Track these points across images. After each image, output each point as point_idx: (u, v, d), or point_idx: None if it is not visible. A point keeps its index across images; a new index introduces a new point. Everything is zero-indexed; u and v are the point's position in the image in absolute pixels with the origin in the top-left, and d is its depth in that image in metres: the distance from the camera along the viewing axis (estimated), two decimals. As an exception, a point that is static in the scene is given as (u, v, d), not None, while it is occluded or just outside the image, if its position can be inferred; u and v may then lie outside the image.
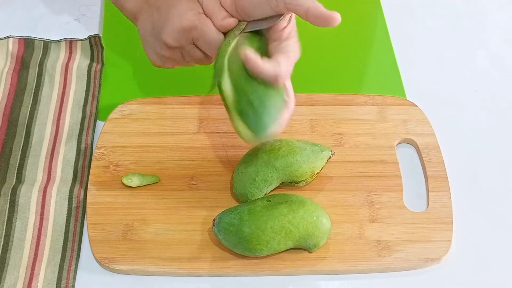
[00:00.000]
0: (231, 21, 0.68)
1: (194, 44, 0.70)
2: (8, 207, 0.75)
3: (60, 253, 0.73)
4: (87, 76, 0.88)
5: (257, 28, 0.68)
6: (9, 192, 0.76)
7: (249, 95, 0.66)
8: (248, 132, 0.67)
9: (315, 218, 0.70)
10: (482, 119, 0.87)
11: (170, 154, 0.80)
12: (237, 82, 0.67)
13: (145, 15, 0.73)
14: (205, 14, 0.69)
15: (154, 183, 0.78)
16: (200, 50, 0.71)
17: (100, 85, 0.87)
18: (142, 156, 0.80)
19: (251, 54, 0.64)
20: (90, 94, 0.86)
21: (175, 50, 0.72)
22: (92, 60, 0.90)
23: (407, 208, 0.77)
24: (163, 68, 0.75)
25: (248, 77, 0.66)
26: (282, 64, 0.66)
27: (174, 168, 0.79)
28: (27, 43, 0.90)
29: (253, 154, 0.76)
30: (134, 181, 0.77)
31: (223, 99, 0.68)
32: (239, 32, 0.68)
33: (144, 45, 0.74)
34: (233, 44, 0.68)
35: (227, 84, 0.67)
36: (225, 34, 0.69)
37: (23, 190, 0.76)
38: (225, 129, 0.82)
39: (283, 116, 0.67)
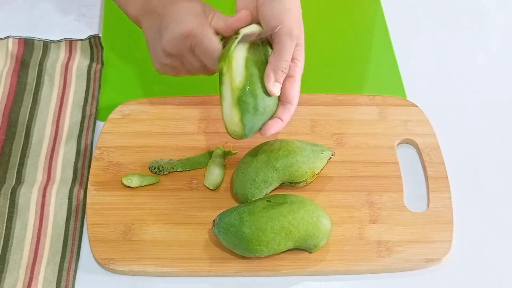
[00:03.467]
0: (238, 21, 0.69)
1: (193, 51, 0.70)
2: (8, 207, 0.74)
3: (60, 254, 0.73)
4: (87, 76, 0.88)
5: (255, 38, 0.70)
6: (9, 192, 0.76)
7: (258, 93, 0.69)
8: (239, 124, 0.69)
9: (315, 218, 0.70)
10: (482, 119, 0.87)
11: (170, 154, 0.80)
12: (251, 75, 0.69)
13: (148, 21, 0.73)
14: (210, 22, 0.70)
15: (154, 183, 0.78)
16: (198, 58, 0.71)
17: (100, 85, 0.87)
18: (142, 156, 0.80)
19: (273, 129, 0.70)
20: (90, 94, 0.86)
21: (175, 57, 0.72)
22: (92, 60, 0.90)
23: (407, 209, 0.77)
24: (165, 74, 0.76)
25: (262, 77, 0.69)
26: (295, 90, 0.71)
27: (174, 168, 0.79)
28: (27, 43, 0.90)
29: (253, 155, 0.76)
30: (134, 181, 0.77)
31: (227, 77, 0.69)
32: (238, 39, 0.68)
33: (149, 51, 0.75)
34: (236, 43, 0.68)
35: (240, 66, 0.69)
36: (224, 44, 0.69)
37: (23, 190, 0.76)
38: (225, 129, 0.82)
39: (273, 126, 0.71)
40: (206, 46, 0.69)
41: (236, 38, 0.68)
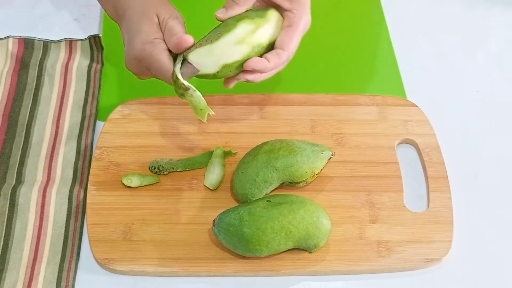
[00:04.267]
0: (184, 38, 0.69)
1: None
2: (8, 207, 0.74)
3: (60, 254, 0.73)
4: (87, 76, 0.88)
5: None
6: (9, 192, 0.76)
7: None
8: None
9: (315, 218, 0.70)
10: (482, 119, 0.87)
11: (170, 154, 0.80)
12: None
13: (120, 26, 0.76)
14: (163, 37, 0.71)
15: (154, 183, 0.78)
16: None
17: (100, 85, 0.87)
18: (142, 156, 0.80)
19: (256, 64, 0.69)
20: (90, 94, 0.86)
21: (141, 72, 0.75)
22: (92, 60, 0.90)
23: (407, 209, 0.77)
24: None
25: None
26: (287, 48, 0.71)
27: (174, 168, 0.79)
28: (27, 43, 0.90)
29: (253, 155, 0.76)
30: (134, 181, 0.77)
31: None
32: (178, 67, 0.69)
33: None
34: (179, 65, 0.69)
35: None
36: (175, 59, 0.70)
37: (23, 190, 0.76)
38: (225, 129, 0.82)
39: (256, 62, 0.70)
40: (158, 68, 0.70)
41: (176, 64, 0.69)
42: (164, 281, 0.72)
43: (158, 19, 0.72)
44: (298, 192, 0.77)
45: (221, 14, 0.71)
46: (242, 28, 0.70)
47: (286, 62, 0.73)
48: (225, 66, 0.70)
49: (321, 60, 0.92)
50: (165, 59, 0.70)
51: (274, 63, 0.70)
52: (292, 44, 0.72)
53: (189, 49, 0.69)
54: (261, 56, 0.71)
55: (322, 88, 0.88)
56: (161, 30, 0.72)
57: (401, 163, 0.80)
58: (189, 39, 0.69)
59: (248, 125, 0.83)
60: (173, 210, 0.76)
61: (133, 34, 0.72)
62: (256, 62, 0.69)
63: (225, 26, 0.71)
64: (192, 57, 0.69)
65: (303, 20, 0.73)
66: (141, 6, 0.73)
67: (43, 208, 0.75)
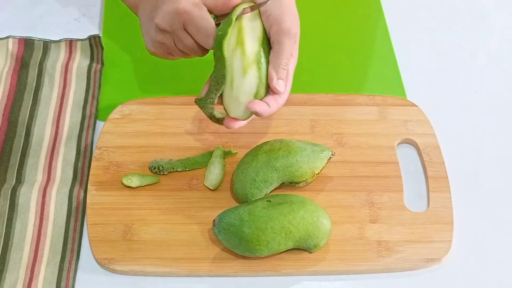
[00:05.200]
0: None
1: (185, 29, 0.70)
2: (8, 207, 0.74)
3: (60, 254, 0.73)
4: (87, 76, 0.88)
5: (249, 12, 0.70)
6: (9, 193, 0.76)
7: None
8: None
9: (315, 218, 0.70)
10: (482, 119, 0.87)
11: (170, 154, 0.80)
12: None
13: (144, 5, 0.73)
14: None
15: (154, 183, 0.78)
16: (191, 36, 0.71)
17: (100, 85, 0.87)
18: (142, 156, 0.80)
19: (259, 108, 0.69)
20: (90, 94, 0.86)
21: (167, 35, 0.72)
22: (92, 60, 0.90)
23: (407, 209, 0.77)
24: (158, 56, 0.75)
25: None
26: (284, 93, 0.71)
27: (174, 168, 0.79)
28: (27, 43, 0.90)
29: (253, 155, 0.76)
30: (134, 181, 0.77)
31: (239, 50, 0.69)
32: (236, 17, 0.68)
33: (142, 33, 0.75)
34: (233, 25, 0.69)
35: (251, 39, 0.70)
36: (217, 24, 0.69)
37: (23, 190, 0.76)
38: (225, 129, 0.82)
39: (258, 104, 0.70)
40: (200, 24, 0.69)
41: (236, 10, 0.68)
42: (164, 281, 0.72)
43: None
44: (298, 192, 0.77)
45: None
46: (238, 60, 0.69)
47: (282, 103, 0.72)
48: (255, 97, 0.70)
49: (321, 60, 0.92)
50: (208, 17, 0.69)
51: (273, 107, 0.71)
52: (288, 87, 0.72)
53: (208, 100, 0.71)
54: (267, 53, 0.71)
55: (322, 88, 0.88)
56: None
57: (401, 163, 0.80)
58: None
59: (248, 125, 0.82)
60: (173, 210, 0.76)
61: None
62: (257, 104, 0.70)
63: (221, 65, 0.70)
64: (217, 113, 0.71)
65: (295, 58, 0.73)
66: None
67: (43, 208, 0.75)
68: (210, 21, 0.69)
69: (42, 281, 0.71)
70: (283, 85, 0.70)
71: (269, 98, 0.71)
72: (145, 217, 0.75)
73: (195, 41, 0.71)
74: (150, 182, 0.78)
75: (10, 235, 0.73)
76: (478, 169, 0.82)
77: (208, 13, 0.69)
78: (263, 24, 0.71)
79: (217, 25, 0.69)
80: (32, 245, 0.73)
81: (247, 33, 0.70)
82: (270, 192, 0.76)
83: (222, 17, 0.70)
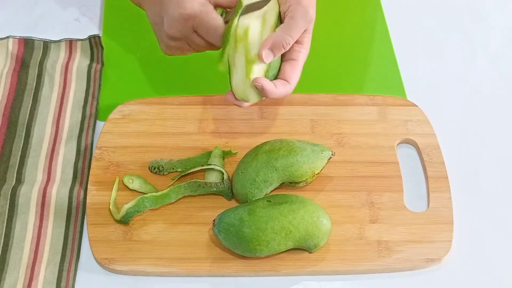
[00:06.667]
0: None
1: (195, 32, 0.70)
2: (8, 207, 0.74)
3: (60, 254, 0.73)
4: (87, 76, 0.88)
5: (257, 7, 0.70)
6: (9, 192, 0.75)
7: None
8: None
9: (315, 218, 0.70)
10: (482, 119, 0.87)
11: (170, 154, 0.80)
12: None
13: (148, 4, 0.73)
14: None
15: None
16: (202, 38, 0.71)
17: (100, 85, 0.87)
18: (142, 156, 0.80)
19: (266, 84, 0.68)
20: (90, 94, 0.86)
21: (180, 40, 0.72)
22: (92, 60, 0.90)
23: (407, 209, 0.77)
24: (173, 55, 0.76)
25: None
26: (293, 80, 0.72)
27: (174, 168, 0.79)
28: (27, 43, 0.90)
29: (253, 155, 0.76)
30: (135, 183, 0.77)
31: (242, 46, 0.69)
32: (241, 11, 0.68)
33: (156, 35, 0.75)
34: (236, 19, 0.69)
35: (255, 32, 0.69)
36: (226, 18, 0.69)
37: (23, 190, 0.76)
38: (225, 129, 0.82)
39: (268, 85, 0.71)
40: (209, 25, 0.69)
41: (240, 8, 0.68)
42: (164, 281, 0.72)
43: None
44: (298, 192, 0.77)
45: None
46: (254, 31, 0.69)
47: (289, 92, 0.73)
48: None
49: (321, 60, 0.92)
50: (216, 15, 0.69)
51: (280, 93, 0.71)
52: (297, 77, 0.73)
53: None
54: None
55: (322, 88, 0.88)
56: None
57: (401, 163, 0.80)
58: None
59: (248, 125, 0.83)
60: (173, 210, 0.76)
61: None
62: (265, 81, 0.70)
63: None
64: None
65: (307, 50, 0.73)
66: None
67: (43, 208, 0.75)
68: (218, 19, 0.69)
69: (42, 281, 0.71)
70: (270, 57, 0.69)
71: (278, 81, 0.70)
72: (145, 217, 0.75)
73: (206, 40, 0.71)
74: (149, 191, 0.76)
75: (10, 235, 0.73)
76: (478, 169, 0.82)
77: (215, 11, 0.69)
78: (279, 13, 0.70)
79: (226, 22, 0.69)
80: (32, 245, 0.73)
81: (255, 25, 0.69)
82: (270, 192, 0.76)
83: (229, 12, 0.70)
